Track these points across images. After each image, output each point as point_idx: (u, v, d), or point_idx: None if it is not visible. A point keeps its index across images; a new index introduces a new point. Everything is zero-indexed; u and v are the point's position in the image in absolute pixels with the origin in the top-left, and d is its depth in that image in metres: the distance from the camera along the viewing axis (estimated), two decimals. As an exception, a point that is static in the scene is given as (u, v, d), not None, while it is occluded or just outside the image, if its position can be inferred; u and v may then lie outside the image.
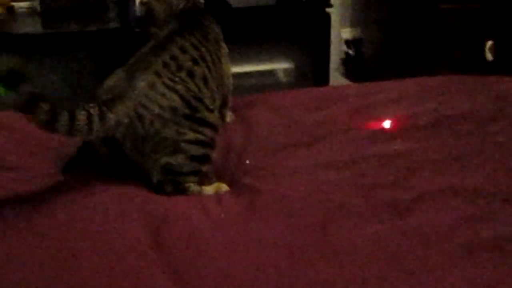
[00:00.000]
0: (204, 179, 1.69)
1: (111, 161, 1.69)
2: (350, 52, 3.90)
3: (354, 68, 3.89)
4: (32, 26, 3.18)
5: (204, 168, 1.69)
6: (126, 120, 1.60)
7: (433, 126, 1.96)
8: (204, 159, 1.68)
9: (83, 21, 3.13)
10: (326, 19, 3.26)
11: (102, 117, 1.56)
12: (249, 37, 3.15)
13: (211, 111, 1.71)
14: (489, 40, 3.17)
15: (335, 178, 1.67)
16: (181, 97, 1.65)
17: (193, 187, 1.65)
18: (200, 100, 1.68)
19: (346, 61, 3.94)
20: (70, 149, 1.78)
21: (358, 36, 3.86)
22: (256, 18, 3.14)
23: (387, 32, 3.60)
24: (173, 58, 1.70)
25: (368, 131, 1.95)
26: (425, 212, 1.50)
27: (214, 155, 1.71)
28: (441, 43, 3.18)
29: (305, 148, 1.85)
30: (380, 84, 2.35)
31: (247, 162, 1.80)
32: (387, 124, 1.99)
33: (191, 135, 1.65)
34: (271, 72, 3.44)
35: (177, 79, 1.67)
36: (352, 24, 3.89)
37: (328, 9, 3.26)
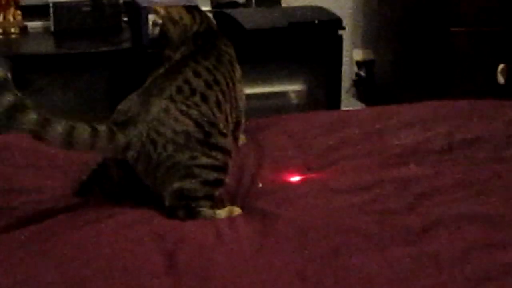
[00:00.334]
0: (217, 203, 1.68)
1: (125, 184, 1.69)
2: (362, 73, 3.90)
3: (365, 89, 3.89)
4: (45, 46, 3.19)
5: (217, 192, 1.68)
6: (138, 144, 1.60)
7: (447, 151, 1.96)
8: (217, 183, 1.67)
9: (96, 42, 3.15)
10: (338, 41, 3.26)
11: (111, 136, 1.57)
12: (262, 58, 3.16)
13: (225, 135, 1.71)
14: (501, 63, 3.16)
15: (349, 203, 1.67)
16: (195, 122, 1.64)
17: (206, 211, 1.64)
18: (213, 124, 1.68)
19: (357, 82, 3.93)
20: (83, 170, 1.78)
21: (369, 58, 3.86)
22: (268, 40, 3.15)
23: (399, 54, 3.60)
24: (187, 82, 1.70)
25: (382, 156, 1.94)
26: (440, 238, 1.50)
27: (227, 179, 1.71)
28: (452, 66, 3.18)
29: (318, 172, 1.85)
30: (392, 108, 2.35)
31: (260, 185, 1.79)
32: (400, 149, 1.99)
33: (203, 160, 1.64)
34: (283, 94, 3.44)
35: (190, 103, 1.66)
36: (364, 46, 3.90)
37: (340, 31, 3.26)
